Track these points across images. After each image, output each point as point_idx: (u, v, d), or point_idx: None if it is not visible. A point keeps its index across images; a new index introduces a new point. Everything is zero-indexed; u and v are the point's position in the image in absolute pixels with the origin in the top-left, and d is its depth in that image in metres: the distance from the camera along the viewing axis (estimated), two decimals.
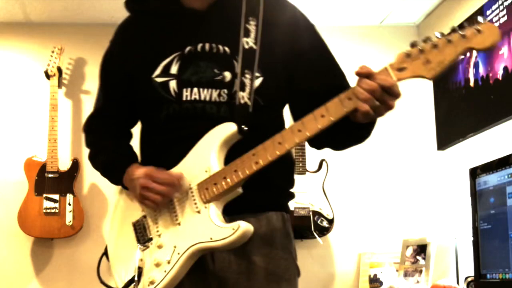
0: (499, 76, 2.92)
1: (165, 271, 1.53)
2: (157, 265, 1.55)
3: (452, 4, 3.45)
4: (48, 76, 3.58)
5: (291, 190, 1.70)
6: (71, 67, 3.76)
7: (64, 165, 3.54)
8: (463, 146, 3.31)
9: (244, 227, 1.46)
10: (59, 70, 3.61)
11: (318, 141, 1.60)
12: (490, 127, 3.01)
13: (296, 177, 3.70)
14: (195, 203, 1.53)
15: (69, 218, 3.44)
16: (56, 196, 3.46)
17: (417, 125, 3.76)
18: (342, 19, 3.76)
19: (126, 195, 1.69)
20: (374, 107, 1.36)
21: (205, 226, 1.50)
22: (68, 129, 3.66)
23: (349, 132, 1.50)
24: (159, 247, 1.56)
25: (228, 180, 1.49)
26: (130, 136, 1.76)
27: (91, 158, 1.76)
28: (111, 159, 1.69)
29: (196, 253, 1.52)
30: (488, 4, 3.01)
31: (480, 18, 1.30)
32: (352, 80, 1.42)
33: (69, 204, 3.46)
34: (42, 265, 3.57)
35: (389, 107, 1.38)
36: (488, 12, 3.01)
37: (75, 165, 3.53)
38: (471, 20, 1.29)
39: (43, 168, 3.49)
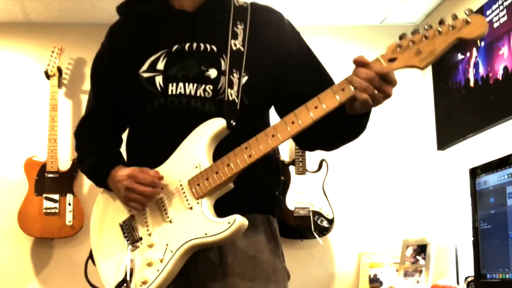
0: (499, 76, 2.92)
1: (158, 270, 1.51)
2: (149, 264, 1.53)
3: (452, 4, 3.45)
4: (48, 76, 3.58)
5: (278, 193, 1.70)
6: (71, 67, 3.76)
7: (64, 165, 3.54)
8: (463, 146, 3.31)
9: (240, 220, 1.44)
10: (59, 70, 3.61)
11: (310, 139, 1.60)
12: (490, 127, 3.01)
13: (296, 177, 3.73)
14: (187, 200, 1.52)
15: (69, 218, 3.44)
16: (56, 196, 3.46)
17: (417, 125, 3.76)
18: (342, 19, 3.76)
19: (109, 196, 1.69)
20: (373, 95, 1.37)
21: (199, 221, 1.48)
22: (68, 129, 3.66)
23: (343, 125, 1.50)
24: (150, 246, 1.55)
25: (221, 174, 1.48)
26: (120, 141, 1.78)
27: (80, 161, 1.76)
28: (97, 161, 1.69)
29: (190, 250, 1.50)
30: (488, 4, 3.01)
31: (467, 11, 1.33)
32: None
33: (69, 204, 3.46)
34: (42, 265, 3.57)
35: (387, 95, 1.39)
36: (488, 12, 3.01)
37: (75, 165, 3.53)
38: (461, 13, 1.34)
39: (43, 168, 3.49)
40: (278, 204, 1.71)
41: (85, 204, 3.50)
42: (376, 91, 1.37)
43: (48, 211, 3.43)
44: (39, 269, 3.57)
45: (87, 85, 3.72)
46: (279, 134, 1.43)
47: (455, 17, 1.33)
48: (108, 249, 1.65)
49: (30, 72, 3.73)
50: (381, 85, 1.36)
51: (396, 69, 1.38)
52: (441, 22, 1.34)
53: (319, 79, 1.61)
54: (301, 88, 1.58)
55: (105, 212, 1.70)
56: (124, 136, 1.77)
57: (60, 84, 3.64)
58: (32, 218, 3.42)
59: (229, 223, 1.44)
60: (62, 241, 3.53)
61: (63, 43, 3.67)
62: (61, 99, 3.66)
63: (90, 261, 1.71)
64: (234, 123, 1.52)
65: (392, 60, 1.38)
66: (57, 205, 3.44)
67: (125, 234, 1.61)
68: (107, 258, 1.65)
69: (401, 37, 1.38)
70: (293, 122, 1.42)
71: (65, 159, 3.56)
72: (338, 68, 3.34)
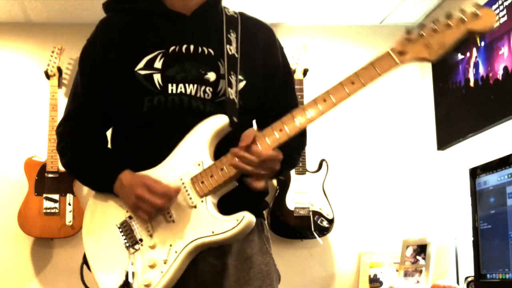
0: (499, 76, 2.92)
1: (161, 272, 1.49)
2: (152, 266, 1.50)
3: (452, 4, 3.45)
4: (48, 76, 3.58)
5: (265, 198, 1.72)
6: (71, 67, 3.76)
7: None
8: (463, 146, 3.30)
9: (248, 217, 1.44)
10: (59, 70, 3.61)
11: None
12: (490, 127, 3.01)
13: (296, 177, 3.73)
14: (190, 198, 1.50)
15: (69, 218, 3.44)
16: (56, 196, 3.46)
17: (417, 125, 3.76)
18: (342, 19, 3.76)
19: (102, 198, 1.64)
20: (258, 175, 1.47)
21: (204, 220, 1.47)
22: None
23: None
24: (152, 247, 1.51)
25: (226, 171, 1.48)
26: (106, 140, 1.70)
27: (70, 163, 1.67)
28: (99, 165, 1.62)
29: (196, 249, 1.48)
30: (488, 4, 3.01)
31: (475, 5, 1.35)
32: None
33: (69, 204, 3.45)
34: (42, 265, 3.57)
35: (272, 171, 1.49)
36: None
37: None
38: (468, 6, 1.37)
39: (43, 168, 3.48)
40: (266, 208, 1.71)
41: (85, 204, 3.45)
42: (261, 171, 1.47)
43: (48, 211, 3.43)
44: (39, 269, 3.57)
45: None
46: (287, 128, 1.45)
47: (463, 11, 1.35)
48: (105, 252, 1.59)
49: (30, 72, 3.72)
50: (261, 168, 1.46)
51: (406, 62, 1.41)
52: (449, 16, 1.36)
53: (287, 98, 1.69)
54: (279, 102, 1.65)
55: (99, 215, 1.64)
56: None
57: (60, 84, 3.64)
58: (32, 218, 3.42)
59: (237, 220, 1.43)
60: (62, 241, 3.53)
61: (63, 43, 3.66)
62: (61, 99, 3.65)
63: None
64: (236, 120, 1.53)
65: (402, 53, 1.40)
66: (57, 205, 3.44)
67: (124, 236, 1.56)
68: (104, 262, 1.58)
69: (408, 31, 1.40)
70: (302, 116, 1.45)
71: None
72: (338, 68, 3.34)
